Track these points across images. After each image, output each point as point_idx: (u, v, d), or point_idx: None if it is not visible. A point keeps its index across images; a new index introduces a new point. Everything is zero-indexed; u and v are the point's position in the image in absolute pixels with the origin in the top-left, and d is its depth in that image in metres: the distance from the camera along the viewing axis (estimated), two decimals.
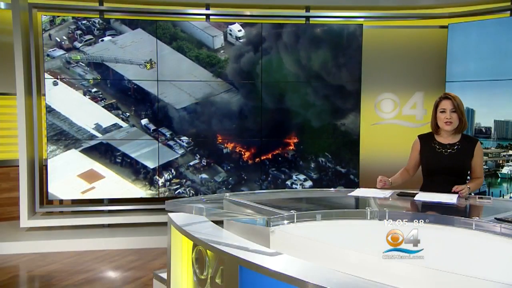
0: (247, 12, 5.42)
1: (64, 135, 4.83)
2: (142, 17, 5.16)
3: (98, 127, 4.81)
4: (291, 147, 5.29)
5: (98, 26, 4.90)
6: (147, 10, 5.23)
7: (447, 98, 2.91)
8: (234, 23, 5.17)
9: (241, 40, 4.87)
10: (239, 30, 4.87)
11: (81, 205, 5.23)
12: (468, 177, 3.01)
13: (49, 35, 4.74)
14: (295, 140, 5.28)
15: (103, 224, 5.13)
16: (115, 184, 4.93)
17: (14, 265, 4.26)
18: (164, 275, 2.79)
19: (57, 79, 4.81)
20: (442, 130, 2.96)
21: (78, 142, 4.83)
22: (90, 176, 4.90)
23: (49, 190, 4.92)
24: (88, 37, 4.81)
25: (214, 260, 1.90)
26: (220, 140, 5.10)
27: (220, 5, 5.31)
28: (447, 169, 2.91)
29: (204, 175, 5.08)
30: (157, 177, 4.92)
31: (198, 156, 4.96)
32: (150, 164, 4.97)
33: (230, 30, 4.93)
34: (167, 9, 5.25)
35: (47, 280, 3.86)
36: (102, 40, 4.89)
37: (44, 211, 5.10)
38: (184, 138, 4.88)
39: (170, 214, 2.44)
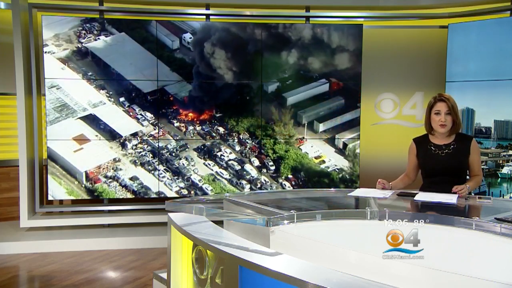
0: (247, 12, 5.43)
1: (66, 107, 4.97)
2: (142, 17, 5.17)
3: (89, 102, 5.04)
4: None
5: (97, 28, 4.97)
6: (147, 10, 5.23)
7: (441, 100, 2.91)
8: (234, 23, 5.19)
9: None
10: (190, 38, 5.09)
11: (81, 205, 5.23)
12: (468, 177, 3.01)
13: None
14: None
15: (103, 224, 5.14)
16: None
17: (14, 265, 4.26)
18: (164, 275, 2.79)
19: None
20: (436, 132, 2.96)
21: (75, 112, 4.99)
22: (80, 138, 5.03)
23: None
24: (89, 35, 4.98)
25: (214, 260, 1.90)
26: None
27: (220, 5, 5.31)
28: (445, 170, 2.91)
29: None
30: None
31: None
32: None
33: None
34: (167, 9, 5.25)
35: (47, 280, 3.86)
36: (98, 39, 4.99)
37: (44, 211, 5.10)
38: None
39: (170, 214, 2.44)
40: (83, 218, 5.07)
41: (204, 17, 5.27)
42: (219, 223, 2.35)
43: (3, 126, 5.31)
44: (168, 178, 5.15)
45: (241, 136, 5.23)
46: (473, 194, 2.89)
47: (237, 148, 5.24)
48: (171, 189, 5.16)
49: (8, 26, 4.89)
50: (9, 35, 4.88)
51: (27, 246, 4.61)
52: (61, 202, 5.34)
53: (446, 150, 2.93)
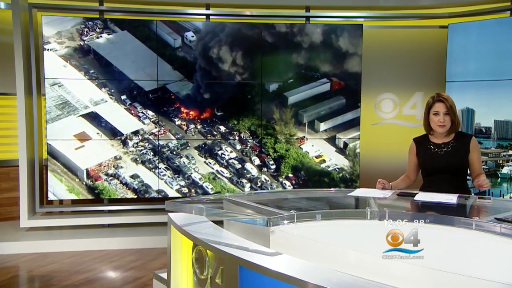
0: (247, 12, 5.43)
1: (67, 104, 4.99)
2: (142, 17, 5.17)
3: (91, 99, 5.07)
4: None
5: (99, 26, 4.98)
6: (147, 10, 5.23)
7: (440, 101, 2.91)
8: (236, 22, 5.19)
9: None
10: (192, 36, 5.11)
11: (81, 205, 5.23)
12: (468, 177, 3.01)
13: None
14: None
15: (103, 224, 5.14)
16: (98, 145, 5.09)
17: (14, 265, 4.26)
18: (164, 275, 2.79)
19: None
20: (435, 132, 2.96)
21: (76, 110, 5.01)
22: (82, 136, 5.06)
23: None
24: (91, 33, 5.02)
25: (214, 260, 1.90)
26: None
27: (220, 5, 5.31)
28: (445, 168, 2.91)
29: None
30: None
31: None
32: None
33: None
34: (167, 9, 5.25)
35: (47, 280, 3.86)
36: (100, 37, 5.00)
37: (44, 211, 5.10)
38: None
39: (170, 214, 2.44)
40: (83, 218, 5.07)
41: (204, 17, 5.27)
42: (219, 223, 2.35)
43: (3, 126, 5.31)
44: (168, 177, 5.15)
45: (242, 135, 5.23)
46: (473, 194, 2.89)
47: (238, 147, 5.24)
48: (171, 188, 5.17)
49: (8, 26, 4.89)
50: (9, 35, 4.88)
51: (27, 246, 4.61)
52: (61, 202, 5.34)
53: (445, 149, 2.94)
